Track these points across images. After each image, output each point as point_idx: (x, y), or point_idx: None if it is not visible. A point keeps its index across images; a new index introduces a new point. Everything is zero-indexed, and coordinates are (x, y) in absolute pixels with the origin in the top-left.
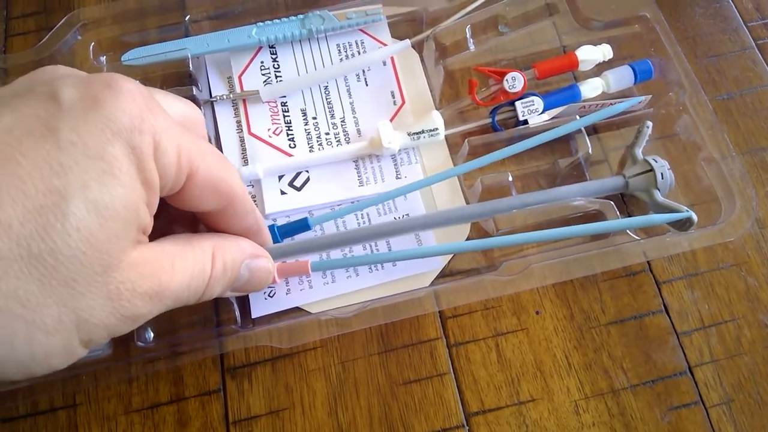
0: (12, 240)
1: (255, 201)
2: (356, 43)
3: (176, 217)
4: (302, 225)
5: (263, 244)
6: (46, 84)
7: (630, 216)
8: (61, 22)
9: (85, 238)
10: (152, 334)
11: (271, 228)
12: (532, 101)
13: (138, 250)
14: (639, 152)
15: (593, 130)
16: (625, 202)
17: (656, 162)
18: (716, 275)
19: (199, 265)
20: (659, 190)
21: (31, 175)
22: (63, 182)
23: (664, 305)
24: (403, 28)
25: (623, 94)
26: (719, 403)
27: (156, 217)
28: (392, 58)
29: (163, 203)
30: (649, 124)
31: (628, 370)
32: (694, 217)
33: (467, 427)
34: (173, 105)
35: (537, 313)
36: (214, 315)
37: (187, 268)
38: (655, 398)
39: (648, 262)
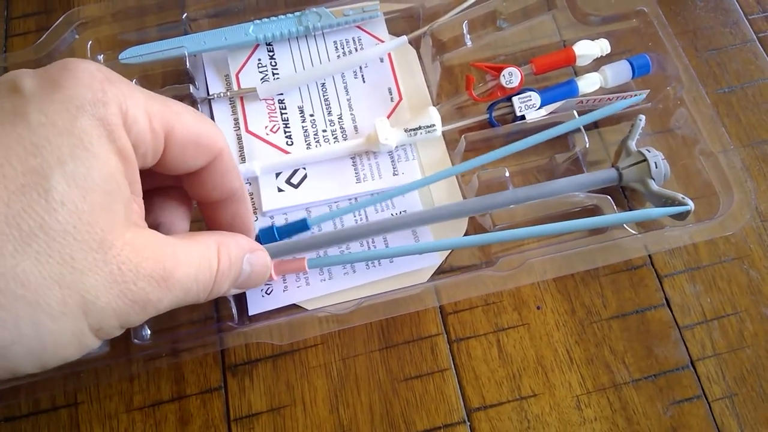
0: (1, 220)
1: (252, 198)
2: (353, 40)
3: (173, 209)
4: (301, 226)
5: (246, 215)
6: (5, 81)
7: (631, 209)
8: (59, 21)
9: (71, 212)
10: (149, 332)
11: (270, 229)
12: (530, 97)
13: (133, 231)
14: (633, 144)
15: (593, 125)
16: (626, 196)
17: (649, 152)
18: (718, 269)
19: (206, 261)
20: (654, 180)
21: (8, 157)
22: (39, 161)
23: (666, 299)
24: (400, 24)
25: (621, 89)
26: (722, 396)
27: (152, 209)
28: (389, 55)
29: (158, 197)
30: (642, 117)
31: (630, 364)
32: (691, 205)
33: (468, 423)
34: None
35: (538, 308)
36: (214, 311)
37: (193, 260)
38: (657, 392)
39: (649, 255)
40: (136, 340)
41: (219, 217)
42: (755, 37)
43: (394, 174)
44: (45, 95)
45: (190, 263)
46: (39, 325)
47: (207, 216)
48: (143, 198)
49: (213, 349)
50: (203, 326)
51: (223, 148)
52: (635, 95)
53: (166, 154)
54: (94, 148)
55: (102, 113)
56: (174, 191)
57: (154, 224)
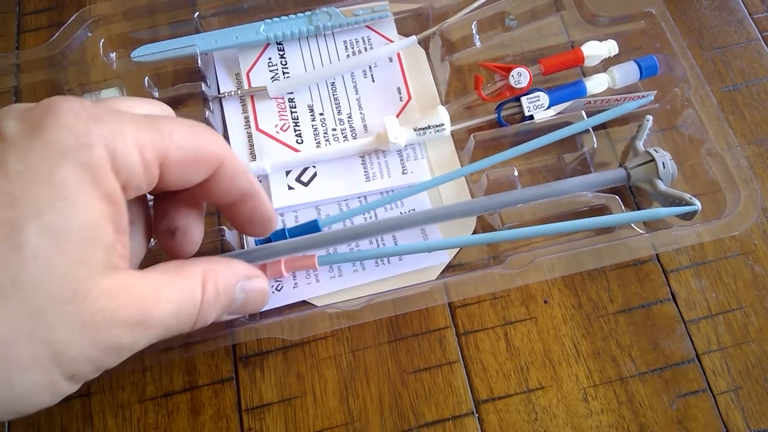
0: None
1: None
2: (363, 40)
3: (186, 212)
4: (312, 227)
5: (263, 207)
6: None
7: (639, 208)
8: (71, 19)
9: (44, 266)
10: None
11: (282, 231)
12: (538, 97)
13: (112, 276)
14: (640, 144)
15: (601, 125)
16: (634, 196)
17: (657, 152)
18: (723, 264)
19: (188, 292)
20: (662, 180)
21: None
22: (15, 213)
23: (672, 294)
24: (409, 24)
25: (629, 90)
26: (727, 390)
27: (165, 215)
28: (399, 55)
29: (170, 202)
30: (650, 117)
31: (636, 358)
32: (699, 205)
33: (477, 415)
34: (140, 108)
35: (545, 302)
36: None
37: (174, 295)
38: (663, 386)
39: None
40: None
41: (236, 215)
42: (760, 35)
43: (403, 173)
44: (26, 141)
45: (171, 299)
46: (10, 378)
47: (225, 215)
48: (154, 203)
49: (225, 344)
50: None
51: (225, 156)
52: (643, 96)
53: (163, 178)
54: (75, 197)
55: (86, 158)
56: (185, 194)
57: (170, 230)
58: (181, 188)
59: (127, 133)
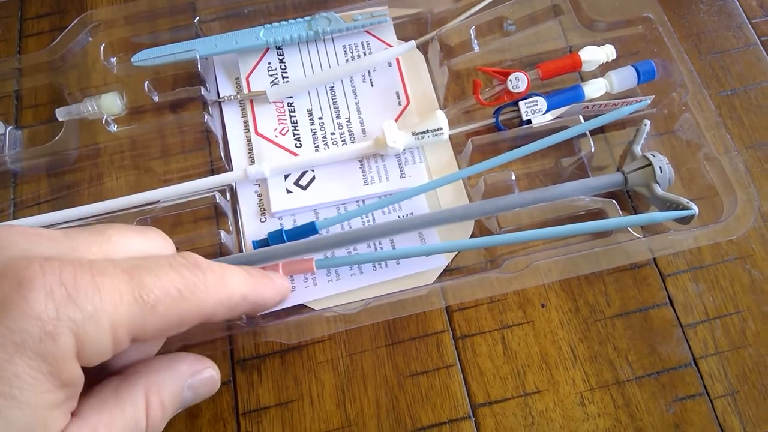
0: None
1: (261, 199)
2: (362, 45)
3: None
4: (310, 229)
5: (268, 292)
6: None
7: (636, 212)
8: (73, 23)
9: None
10: None
11: (279, 232)
12: (536, 101)
13: None
14: (638, 149)
15: (599, 129)
16: (632, 200)
17: (654, 157)
18: (721, 268)
19: (131, 423)
20: (659, 184)
21: None
22: None
23: (669, 298)
24: (408, 29)
25: (627, 95)
26: (724, 394)
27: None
28: (397, 59)
29: None
30: (647, 122)
31: (633, 362)
32: (696, 210)
33: (473, 419)
34: (131, 245)
35: (542, 306)
36: None
37: None
38: (660, 389)
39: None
40: None
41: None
42: (758, 40)
43: (402, 177)
44: None
45: None
46: None
47: None
48: None
49: (223, 348)
50: (213, 325)
51: (216, 310)
52: (640, 101)
53: (133, 347)
54: (23, 396)
55: (48, 349)
56: None
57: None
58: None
59: (102, 315)
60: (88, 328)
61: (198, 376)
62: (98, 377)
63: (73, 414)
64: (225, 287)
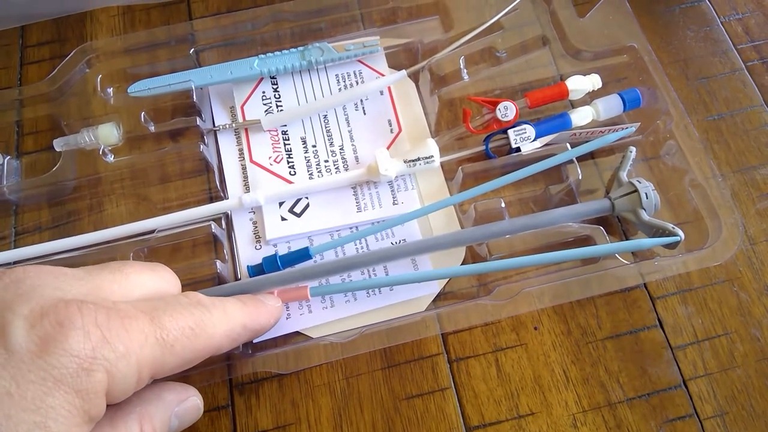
0: None
1: (256, 226)
2: (354, 74)
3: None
4: (303, 254)
5: (264, 317)
6: (1, 313)
7: (626, 236)
8: (71, 54)
9: None
10: None
11: (274, 257)
12: (525, 129)
13: None
14: (624, 175)
15: (589, 154)
16: (621, 224)
17: (640, 183)
18: (709, 291)
19: None
20: (645, 210)
21: None
22: None
23: (659, 320)
24: (399, 58)
25: (613, 121)
26: (713, 415)
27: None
28: (389, 88)
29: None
30: (633, 149)
31: (625, 383)
32: (681, 236)
33: None
34: (146, 282)
35: (535, 328)
36: None
37: None
38: (650, 411)
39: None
40: None
41: None
42: (744, 66)
43: (394, 203)
44: (26, 359)
45: None
46: None
47: None
48: None
49: (222, 377)
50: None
51: (222, 343)
52: (626, 128)
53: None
54: (56, 427)
55: (82, 384)
56: None
57: None
58: None
59: (131, 355)
60: (120, 366)
61: (183, 404)
62: None
63: None
64: (228, 321)
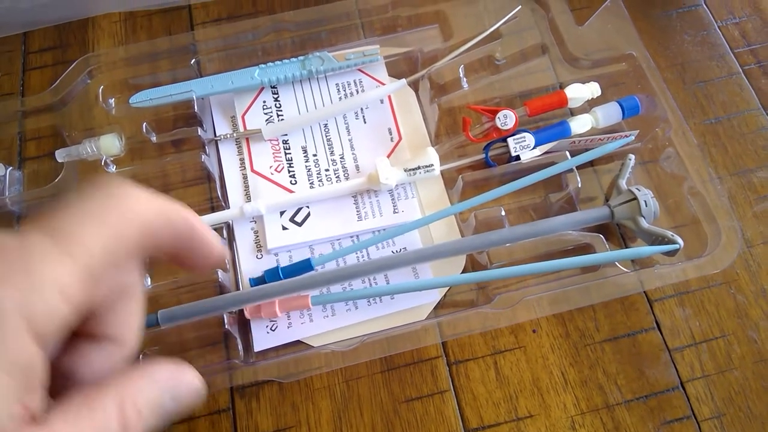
0: None
1: (257, 235)
2: (355, 83)
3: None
4: (305, 266)
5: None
6: None
7: (626, 243)
8: (73, 65)
9: None
10: None
11: (276, 269)
12: (524, 137)
13: None
14: (623, 183)
15: (588, 162)
16: (621, 231)
17: (639, 191)
18: (706, 293)
19: (100, 430)
20: (644, 218)
21: None
22: None
23: (657, 322)
24: (399, 67)
25: (612, 129)
26: (711, 417)
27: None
28: (389, 97)
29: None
30: (632, 156)
31: (622, 385)
32: (681, 243)
33: None
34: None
35: (534, 331)
36: (224, 348)
37: None
38: (648, 413)
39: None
40: None
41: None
42: (741, 69)
43: (395, 212)
44: None
45: None
46: None
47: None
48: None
49: (224, 385)
50: (213, 363)
51: (195, 225)
52: (625, 136)
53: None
54: None
55: None
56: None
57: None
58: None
59: (45, 285)
60: (34, 299)
61: (179, 384)
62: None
63: (36, 420)
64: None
